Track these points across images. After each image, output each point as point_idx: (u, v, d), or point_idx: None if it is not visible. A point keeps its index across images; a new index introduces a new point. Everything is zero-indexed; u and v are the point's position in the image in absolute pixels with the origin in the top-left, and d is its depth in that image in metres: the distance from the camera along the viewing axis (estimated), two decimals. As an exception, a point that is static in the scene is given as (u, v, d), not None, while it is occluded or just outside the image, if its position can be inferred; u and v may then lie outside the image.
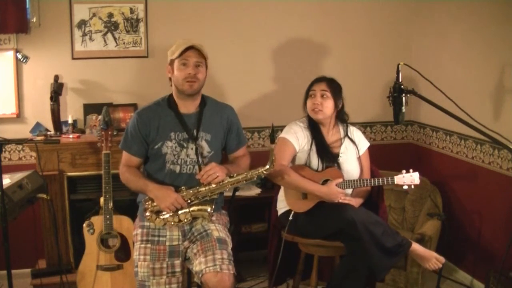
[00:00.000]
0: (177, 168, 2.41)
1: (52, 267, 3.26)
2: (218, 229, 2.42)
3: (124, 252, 3.03)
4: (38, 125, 3.44)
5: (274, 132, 2.39)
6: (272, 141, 2.38)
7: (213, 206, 2.38)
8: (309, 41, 3.85)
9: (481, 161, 3.32)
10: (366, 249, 2.49)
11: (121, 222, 3.01)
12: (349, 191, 2.80)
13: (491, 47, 3.18)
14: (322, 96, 2.75)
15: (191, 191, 2.35)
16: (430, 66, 3.63)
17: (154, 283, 2.31)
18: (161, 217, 2.36)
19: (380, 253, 2.50)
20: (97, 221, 2.98)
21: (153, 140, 2.40)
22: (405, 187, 2.68)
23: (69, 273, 3.19)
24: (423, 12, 3.89)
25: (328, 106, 2.76)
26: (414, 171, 2.69)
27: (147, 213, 2.37)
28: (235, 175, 2.38)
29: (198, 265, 2.29)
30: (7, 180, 2.61)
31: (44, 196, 2.78)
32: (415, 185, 2.69)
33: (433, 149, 3.85)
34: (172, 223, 2.36)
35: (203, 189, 2.35)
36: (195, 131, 2.43)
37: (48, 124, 3.40)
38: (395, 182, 2.67)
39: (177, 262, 2.37)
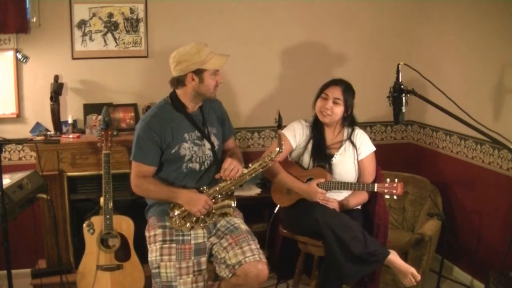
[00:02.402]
0: (197, 166, 2.44)
1: (52, 267, 3.26)
2: (243, 223, 2.50)
3: (124, 252, 3.03)
4: (38, 125, 3.44)
5: (280, 118, 2.40)
6: (279, 126, 2.40)
7: (235, 200, 2.44)
8: (310, 42, 3.85)
9: (481, 161, 3.32)
10: (331, 251, 2.51)
11: (121, 222, 3.01)
12: (346, 193, 2.80)
13: (491, 47, 3.18)
14: (334, 102, 2.74)
15: (216, 189, 2.40)
16: (430, 66, 3.62)
17: (181, 283, 2.31)
18: (189, 222, 2.37)
19: (346, 258, 2.50)
20: (97, 221, 2.98)
21: (169, 145, 2.39)
22: (387, 196, 2.66)
23: (69, 273, 3.19)
24: (423, 12, 3.89)
25: (337, 113, 2.75)
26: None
27: (177, 221, 2.37)
28: (250, 165, 2.45)
29: (234, 257, 2.31)
30: (7, 180, 2.61)
31: (44, 196, 2.78)
32: (397, 195, 2.64)
33: (433, 149, 3.85)
34: (201, 225, 2.40)
35: (224, 184, 2.40)
36: (204, 128, 2.48)
37: (48, 124, 3.40)
38: (375, 190, 2.66)
39: (203, 259, 2.39)
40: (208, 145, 2.46)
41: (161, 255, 2.34)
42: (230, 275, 2.30)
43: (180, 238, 2.38)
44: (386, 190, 2.64)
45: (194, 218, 2.37)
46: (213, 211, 2.40)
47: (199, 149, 2.44)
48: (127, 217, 3.02)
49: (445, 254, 3.19)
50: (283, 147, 2.42)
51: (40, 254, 3.34)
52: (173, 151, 2.39)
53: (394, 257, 2.57)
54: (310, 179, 2.73)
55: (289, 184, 2.75)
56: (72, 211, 3.32)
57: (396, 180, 2.65)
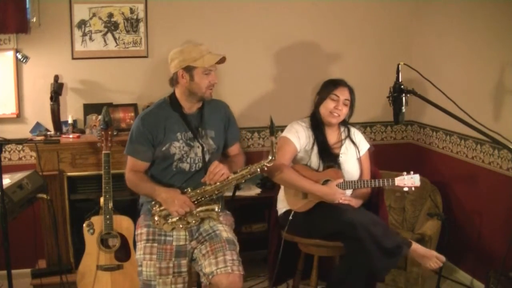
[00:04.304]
0: (187, 167, 2.43)
1: (52, 267, 3.26)
2: (226, 230, 2.44)
3: (124, 252, 3.03)
4: (38, 125, 3.44)
5: (273, 124, 2.38)
6: (272, 133, 2.36)
7: (220, 205, 2.40)
8: (309, 42, 3.85)
9: (481, 161, 3.32)
10: (367, 250, 2.48)
11: (121, 222, 3.01)
12: (349, 192, 2.80)
13: (491, 47, 3.18)
14: (344, 103, 2.75)
15: (198, 191, 2.37)
16: (430, 66, 3.62)
17: (160, 282, 2.31)
18: (169, 221, 2.36)
19: (380, 254, 2.49)
20: (97, 221, 2.98)
21: (160, 142, 2.40)
22: (406, 189, 2.67)
23: (69, 273, 3.19)
24: (423, 12, 3.89)
25: (345, 113, 2.77)
26: (414, 172, 2.68)
27: (156, 218, 2.37)
28: (239, 170, 2.40)
29: (208, 266, 2.29)
30: (7, 180, 2.61)
31: (44, 196, 2.78)
32: (415, 187, 2.67)
33: (433, 149, 3.85)
34: (181, 226, 2.37)
35: (209, 187, 2.36)
36: (199, 130, 2.46)
37: (48, 124, 3.40)
38: (396, 184, 2.66)
39: (184, 262, 2.37)
40: (201, 148, 2.44)
41: (144, 253, 2.35)
42: (208, 283, 2.30)
43: (162, 238, 2.38)
44: (405, 183, 2.66)
45: (175, 218, 2.35)
46: (196, 213, 2.36)
47: (190, 149, 2.43)
48: (127, 217, 3.02)
49: (445, 254, 3.18)
50: (276, 155, 2.36)
51: (40, 254, 3.34)
52: (164, 148, 2.39)
53: (415, 245, 2.63)
54: (326, 181, 2.72)
55: (308, 188, 2.69)
56: (72, 211, 3.32)
57: (412, 172, 2.67)
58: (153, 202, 2.39)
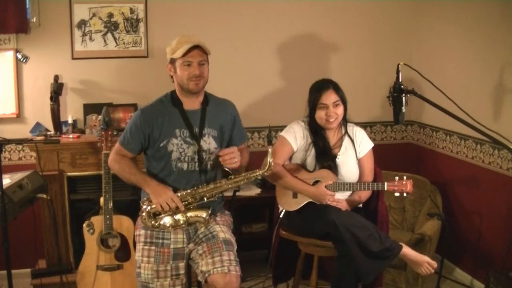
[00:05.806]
0: (184, 166, 2.38)
1: (52, 267, 3.26)
2: (224, 231, 2.42)
3: (124, 252, 3.03)
4: (38, 125, 3.44)
5: (271, 134, 2.35)
6: (269, 142, 2.34)
7: (209, 212, 2.34)
8: (309, 42, 3.85)
9: (481, 161, 3.32)
10: (350, 251, 2.49)
11: (121, 222, 3.01)
12: (343, 194, 2.79)
13: (491, 47, 3.18)
14: (334, 106, 2.70)
15: (189, 191, 2.33)
16: (430, 66, 3.63)
17: (158, 285, 2.30)
18: (157, 221, 2.32)
19: (365, 257, 2.49)
20: (97, 221, 2.98)
21: (157, 138, 2.36)
22: (397, 194, 2.66)
23: (69, 273, 3.19)
24: (423, 13, 3.89)
25: (340, 113, 2.73)
26: (408, 179, 2.66)
27: (143, 215, 2.33)
28: (233, 177, 2.37)
29: (205, 265, 2.28)
30: (7, 180, 2.61)
31: (44, 196, 2.78)
32: (407, 193, 2.65)
33: (433, 149, 3.85)
34: (168, 225, 2.33)
35: (201, 190, 2.34)
36: (199, 128, 2.40)
37: (48, 124, 3.40)
38: (385, 189, 2.65)
39: (181, 264, 2.36)
40: (198, 146, 2.39)
41: (142, 256, 2.35)
42: (203, 280, 2.30)
43: (160, 241, 2.37)
44: (396, 188, 2.64)
45: (163, 215, 2.31)
46: (185, 216, 2.32)
47: (188, 147, 2.38)
48: (127, 217, 3.02)
49: (445, 254, 3.19)
50: (272, 166, 2.36)
51: (40, 254, 3.34)
52: (161, 145, 2.36)
53: (406, 249, 2.60)
54: (317, 182, 2.72)
55: (296, 188, 2.71)
56: (72, 211, 3.32)
57: (404, 177, 2.65)
58: (144, 198, 2.36)
